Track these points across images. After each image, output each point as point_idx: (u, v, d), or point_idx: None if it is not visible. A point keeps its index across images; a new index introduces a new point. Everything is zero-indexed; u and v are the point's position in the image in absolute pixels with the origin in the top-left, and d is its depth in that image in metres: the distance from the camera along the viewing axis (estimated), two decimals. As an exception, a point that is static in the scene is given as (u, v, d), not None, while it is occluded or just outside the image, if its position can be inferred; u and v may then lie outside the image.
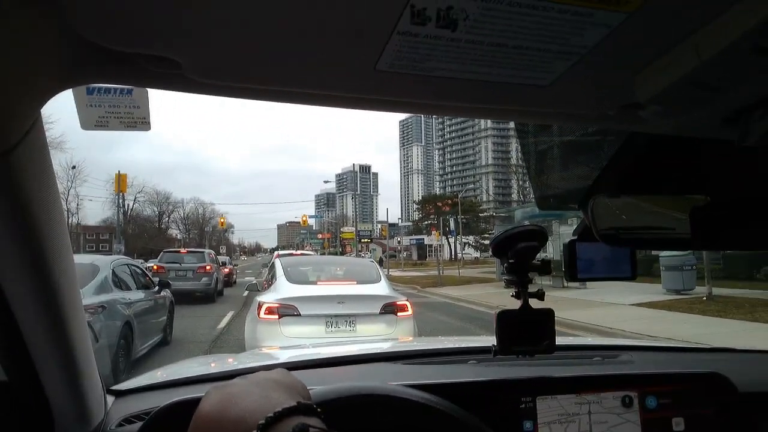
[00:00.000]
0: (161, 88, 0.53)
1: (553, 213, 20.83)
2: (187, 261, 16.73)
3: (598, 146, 0.82)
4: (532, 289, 0.99)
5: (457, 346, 1.78)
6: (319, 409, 0.45)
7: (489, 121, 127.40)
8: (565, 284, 16.73)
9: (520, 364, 1.22)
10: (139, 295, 7.34)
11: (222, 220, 63.80)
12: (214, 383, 0.52)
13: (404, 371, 1.32)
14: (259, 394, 0.46)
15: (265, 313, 5.29)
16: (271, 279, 6.29)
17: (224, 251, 57.20)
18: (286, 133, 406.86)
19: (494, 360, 1.17)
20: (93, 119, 0.80)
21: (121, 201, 34.85)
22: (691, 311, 11.10)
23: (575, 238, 0.97)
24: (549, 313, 1.00)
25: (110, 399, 1.12)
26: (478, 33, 0.42)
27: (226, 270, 23.19)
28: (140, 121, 0.82)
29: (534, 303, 1.00)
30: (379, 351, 1.68)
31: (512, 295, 1.01)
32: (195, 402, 0.48)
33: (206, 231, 77.60)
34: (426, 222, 66.71)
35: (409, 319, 5.66)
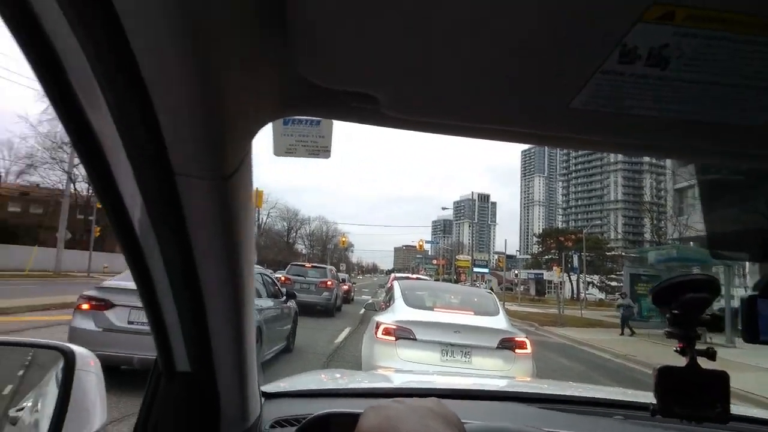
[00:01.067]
0: (356, 122, 0.57)
1: (693, 257, 18.69)
2: (311, 275, 17.38)
3: None
4: (699, 346, 0.88)
5: (599, 396, 1.63)
6: None
7: (620, 155, 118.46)
8: (733, 343, 14.51)
9: (682, 429, 1.11)
10: (269, 303, 7.88)
11: (343, 239, 66.65)
12: (360, 400, 0.59)
13: (550, 417, 1.26)
14: (418, 422, 0.48)
15: (382, 334, 5.38)
16: (389, 300, 6.42)
17: (344, 269, 59.55)
18: (408, 158, 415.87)
19: (652, 420, 1.08)
20: (284, 147, 0.88)
21: (256, 215, 38.13)
22: None
23: (756, 293, 0.87)
24: (723, 377, 0.89)
25: (261, 400, 1.18)
26: (690, 71, 0.41)
27: (346, 287, 23.94)
28: (322, 150, 0.89)
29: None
30: (523, 391, 1.61)
31: (676, 350, 0.91)
32: (348, 415, 0.53)
33: (328, 248, 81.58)
34: (546, 256, 63.56)
35: (528, 358, 5.39)
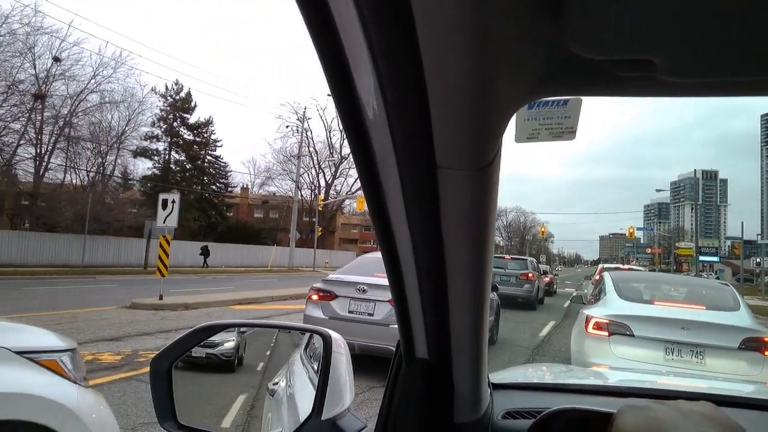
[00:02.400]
0: (625, 95, 0.53)
1: None
2: (510, 267, 17.05)
3: None
4: None
5: None
6: None
7: None
8: None
9: None
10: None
11: (542, 229, 63.98)
12: (592, 397, 0.56)
13: None
14: (693, 428, 0.43)
15: (593, 328, 5.10)
16: (599, 293, 6.03)
17: (544, 260, 57.18)
18: (612, 139, 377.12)
19: None
20: (526, 133, 0.83)
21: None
22: None
23: None
24: None
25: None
26: None
27: (547, 279, 23.05)
28: (567, 131, 0.83)
29: None
30: None
31: None
32: (593, 413, 0.49)
33: (527, 239, 79.14)
34: (803, 241, 51.42)
35: None
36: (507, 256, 19.69)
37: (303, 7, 0.45)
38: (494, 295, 9.46)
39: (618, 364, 4.50)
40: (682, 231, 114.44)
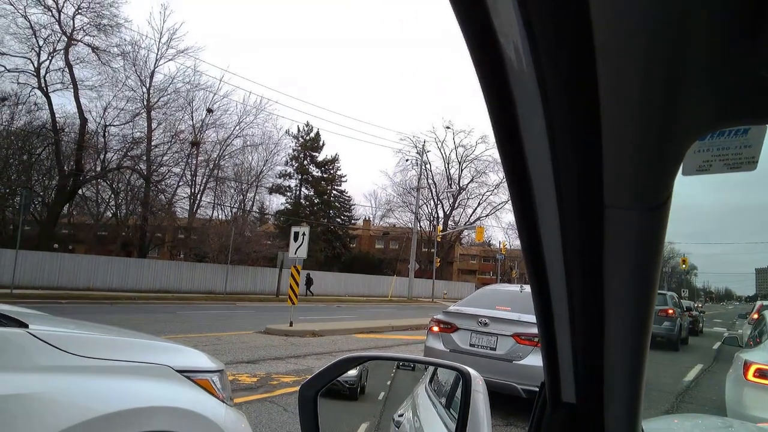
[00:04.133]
0: None
1: None
2: None
3: None
4: None
5: None
6: None
7: None
8: None
9: None
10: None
11: (683, 259, 57.47)
12: None
13: None
14: None
15: (754, 376, 4.48)
16: (759, 335, 5.31)
17: (686, 295, 51.16)
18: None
19: None
20: (696, 164, 0.77)
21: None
22: None
23: None
24: None
25: None
26: None
27: (691, 316, 20.55)
28: (747, 161, 0.76)
29: None
30: None
31: None
32: None
33: (665, 272, 71.51)
34: None
35: None
36: None
37: (476, 56, 0.43)
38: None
39: (787, 421, 3.86)
40: None
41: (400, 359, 2.24)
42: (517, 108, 0.49)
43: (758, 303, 20.48)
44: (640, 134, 0.47)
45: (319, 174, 45.74)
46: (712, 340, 18.04)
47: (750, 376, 4.50)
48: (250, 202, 38.84)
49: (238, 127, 34.80)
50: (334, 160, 46.04)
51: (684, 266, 60.78)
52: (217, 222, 34.87)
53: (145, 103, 29.80)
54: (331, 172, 46.22)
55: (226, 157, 34.67)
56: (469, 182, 49.46)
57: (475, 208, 49.16)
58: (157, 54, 30.09)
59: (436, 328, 6.62)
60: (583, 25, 0.37)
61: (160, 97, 30.46)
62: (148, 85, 29.91)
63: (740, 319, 23.11)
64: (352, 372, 2.12)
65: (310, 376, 1.22)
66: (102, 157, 29.08)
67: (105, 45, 27.35)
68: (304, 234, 13.25)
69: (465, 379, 1.16)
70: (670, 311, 15.27)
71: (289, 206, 43.60)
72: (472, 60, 0.45)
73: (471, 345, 6.17)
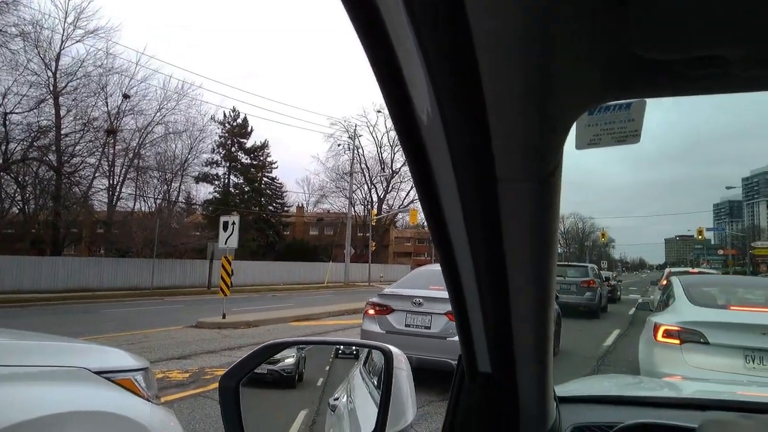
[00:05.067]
0: (694, 93, 0.51)
1: None
2: (570, 275, 16.55)
3: None
4: None
5: None
6: None
7: None
8: None
9: None
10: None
11: (603, 233, 61.53)
12: (676, 411, 0.49)
13: None
14: None
15: (663, 336, 4.84)
16: (667, 299, 5.74)
17: (605, 266, 54.93)
18: (677, 138, 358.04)
19: None
20: (587, 138, 0.81)
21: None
22: None
23: None
24: None
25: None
26: None
27: (610, 285, 22.07)
28: (631, 135, 0.80)
29: None
30: None
31: None
32: (669, 428, 0.47)
33: (586, 245, 76.34)
34: None
35: None
36: (567, 264, 18.99)
37: (356, 22, 0.44)
38: (555, 305, 9.14)
39: (691, 375, 4.23)
40: (758, 230, 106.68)
41: (320, 342, 2.24)
42: (408, 87, 0.49)
43: (667, 270, 22.38)
44: (522, 113, 0.48)
45: (249, 161, 44.29)
46: (628, 307, 19.42)
47: (659, 336, 4.87)
48: (176, 192, 36.85)
49: (158, 114, 32.58)
50: (264, 146, 44.80)
51: (603, 239, 65.10)
52: (140, 214, 32.82)
53: (51, 88, 27.23)
54: (261, 158, 44.92)
55: (147, 145, 32.55)
56: (402, 165, 49.83)
57: (409, 191, 49.54)
58: (62, 35, 27.58)
59: (371, 311, 6.66)
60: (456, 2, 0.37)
61: (68, 82, 27.83)
62: (54, 69, 27.33)
63: (652, 285, 25.16)
64: (290, 360, 2.09)
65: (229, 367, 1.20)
66: (3, 148, 26.50)
67: (0, 24, 24.75)
68: (233, 223, 12.86)
69: (387, 357, 1.17)
70: (592, 282, 16.15)
71: (217, 195, 41.97)
72: (357, 35, 0.45)
73: (407, 325, 6.27)
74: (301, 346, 2.07)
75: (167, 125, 33.50)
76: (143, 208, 34.33)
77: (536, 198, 0.59)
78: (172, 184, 35.69)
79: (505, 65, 0.43)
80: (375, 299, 6.78)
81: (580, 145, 0.82)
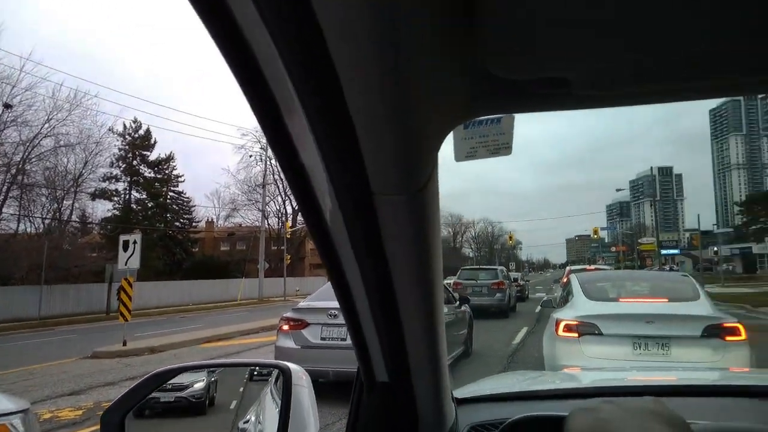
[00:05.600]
0: (546, 110, 0.55)
1: None
2: (482, 278, 17.24)
3: None
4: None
5: None
6: None
7: None
8: None
9: None
10: (444, 309, 8.04)
11: (510, 236, 64.99)
12: (556, 402, 0.52)
13: None
14: (638, 426, 0.44)
15: (563, 331, 5.13)
16: (567, 295, 6.10)
17: (513, 267, 58.01)
18: (573, 145, 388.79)
19: None
20: (465, 151, 0.86)
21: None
22: None
23: None
24: None
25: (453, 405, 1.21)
26: None
27: (519, 285, 23.24)
28: (503, 147, 0.86)
29: None
30: (742, 384, 1.44)
31: None
32: (549, 418, 0.51)
33: (495, 248, 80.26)
34: (754, 227, 53.93)
35: (743, 345, 4.72)
36: (478, 267, 20.42)
37: (229, 60, 0.44)
38: (467, 308, 9.46)
39: (589, 364, 4.53)
40: (644, 227, 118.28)
41: (213, 366, 2.16)
42: (281, 109, 0.50)
43: (567, 268, 24.06)
44: (387, 131, 0.50)
45: (153, 175, 41.60)
46: (535, 305, 20.42)
47: (560, 331, 5.16)
48: (68, 211, 33.74)
49: (47, 125, 29.54)
50: (169, 158, 42.23)
51: (511, 242, 68.83)
52: (25, 236, 29.70)
53: None
54: (166, 172, 42.36)
55: (34, 160, 29.32)
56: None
57: (324, 202, 49.16)
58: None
59: (286, 327, 6.48)
60: (313, 27, 0.39)
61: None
62: None
63: (555, 283, 26.94)
64: (199, 384, 1.96)
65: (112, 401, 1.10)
66: None
67: None
68: (135, 242, 12.00)
69: (285, 375, 1.16)
70: (501, 284, 17.00)
71: (117, 212, 38.91)
72: (225, 60, 0.46)
73: (322, 339, 6.15)
74: (211, 369, 1.99)
75: (57, 137, 30.51)
76: (29, 230, 31.03)
77: (411, 211, 0.60)
78: (64, 201, 32.59)
79: (367, 85, 0.45)
80: (289, 314, 6.61)
81: (459, 158, 0.87)
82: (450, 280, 18.09)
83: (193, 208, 44.96)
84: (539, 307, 14.60)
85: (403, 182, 0.57)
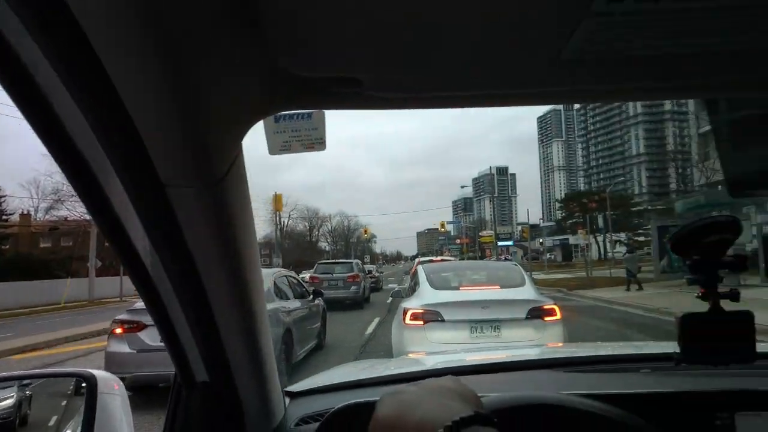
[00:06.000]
0: (342, 108, 0.56)
1: (721, 201, 18.19)
2: (338, 271, 17.83)
3: None
4: (721, 288, 0.86)
5: (626, 352, 1.63)
6: (495, 419, 0.44)
7: (639, 106, 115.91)
8: (744, 282, 14.44)
9: (710, 374, 1.07)
10: (296, 303, 7.97)
11: (366, 230, 66.93)
12: (384, 387, 0.52)
13: (572, 380, 1.23)
14: (435, 402, 0.46)
15: (410, 319, 5.40)
16: (415, 285, 6.42)
17: (368, 260, 59.87)
18: (423, 143, 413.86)
19: (676, 369, 1.06)
20: (278, 144, 0.88)
21: (277, 219, 38.69)
22: None
23: None
24: (747, 316, 0.87)
25: (286, 400, 1.19)
26: (683, 0, 0.37)
27: (373, 277, 24.39)
28: (317, 142, 0.88)
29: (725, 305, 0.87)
30: (542, 357, 1.59)
31: (697, 296, 0.88)
32: (368, 405, 0.50)
33: (351, 242, 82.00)
34: (570, 221, 62.81)
35: (558, 324, 5.41)
36: (334, 261, 20.91)
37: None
38: (320, 301, 9.48)
39: (432, 349, 4.79)
40: (484, 221, 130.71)
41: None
42: (55, 108, 0.47)
43: (417, 260, 25.48)
44: (172, 124, 0.49)
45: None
46: (388, 295, 21.46)
47: (407, 320, 5.43)
48: None
49: None
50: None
51: (366, 235, 70.95)
52: None
53: None
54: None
55: None
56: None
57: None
58: None
59: (119, 330, 5.91)
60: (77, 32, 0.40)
61: None
62: None
63: (405, 275, 28.35)
64: (7, 402, 1.64)
65: None
66: None
67: None
68: None
69: (89, 383, 1.09)
70: (357, 276, 17.79)
71: None
72: None
73: (162, 341, 5.64)
74: (24, 382, 1.77)
75: None
76: None
77: (210, 202, 0.59)
78: None
79: (142, 85, 0.44)
80: (123, 316, 6.07)
81: (273, 151, 0.88)
82: (306, 275, 18.12)
83: (3, 199, 38.49)
84: (390, 298, 15.26)
85: (196, 173, 0.55)
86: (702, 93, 0.60)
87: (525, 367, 1.41)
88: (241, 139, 0.58)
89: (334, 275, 17.49)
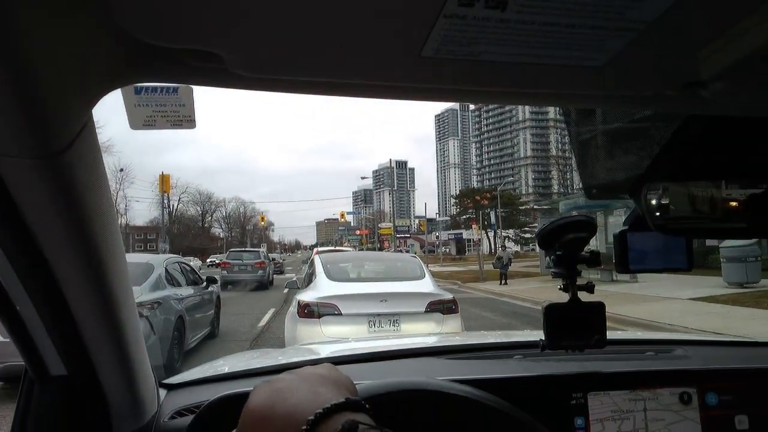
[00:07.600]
0: (205, 85, 0.53)
1: (599, 203, 20.14)
2: (246, 258, 21.90)
3: (651, 130, 0.75)
4: (580, 281, 0.97)
5: (501, 340, 1.76)
6: (367, 405, 0.44)
7: (528, 112, 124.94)
8: (615, 278, 16.25)
9: (569, 359, 1.18)
10: (189, 291, 7.64)
11: (262, 217, 65.12)
12: (263, 377, 0.53)
13: (448, 366, 1.30)
14: (307, 390, 0.46)
15: (304, 312, 5.18)
16: (311, 276, 6.15)
17: (264, 248, 58.50)
18: (325, 132, 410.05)
19: (542, 355, 1.15)
20: (141, 119, 0.82)
21: (165, 201, 36.25)
22: (759, 305, 10.04)
23: (626, 228, 0.93)
24: (599, 307, 0.99)
25: (162, 392, 1.16)
26: (528, 12, 0.40)
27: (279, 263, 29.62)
28: (186, 119, 0.85)
29: (583, 297, 0.98)
30: (421, 346, 1.65)
31: (560, 288, 0.99)
32: (243, 396, 0.48)
33: (247, 229, 79.41)
34: (464, 216, 66.18)
35: (457, 317, 5.39)
36: (243, 249, 26.59)
37: None
38: (214, 288, 9.12)
39: (328, 343, 4.73)
40: (383, 213, 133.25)
41: None
42: None
43: (315, 249, 25.32)
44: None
45: None
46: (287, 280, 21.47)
47: (302, 313, 5.20)
48: None
49: None
50: None
51: (263, 223, 68.97)
52: None
53: None
54: None
55: None
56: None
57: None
58: None
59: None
60: None
61: None
62: None
63: (304, 264, 28.08)
64: None
65: None
66: None
67: None
68: None
69: None
70: (263, 263, 21.42)
71: None
72: None
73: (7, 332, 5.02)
74: None
75: None
76: None
77: (50, 176, 0.54)
78: None
79: None
80: None
81: (135, 126, 0.81)
82: (194, 261, 18.81)
83: None
84: (287, 289, 15.00)
85: (29, 144, 0.50)
86: (553, 101, 0.63)
87: (405, 356, 1.45)
88: (90, 108, 0.54)
89: (244, 261, 21.37)
